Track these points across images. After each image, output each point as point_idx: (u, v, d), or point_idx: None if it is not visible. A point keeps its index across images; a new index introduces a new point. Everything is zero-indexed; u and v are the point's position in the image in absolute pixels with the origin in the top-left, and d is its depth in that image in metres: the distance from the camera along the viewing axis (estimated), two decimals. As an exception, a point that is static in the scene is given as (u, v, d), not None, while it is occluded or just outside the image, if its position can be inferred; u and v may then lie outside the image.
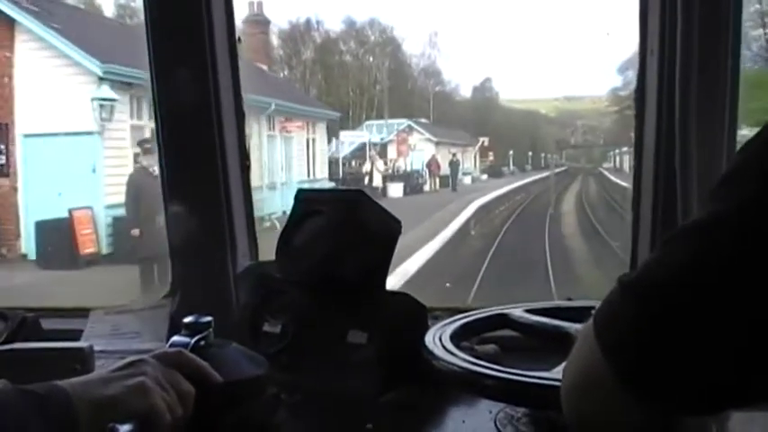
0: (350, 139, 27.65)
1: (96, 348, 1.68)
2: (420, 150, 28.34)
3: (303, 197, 1.71)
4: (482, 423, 1.37)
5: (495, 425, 1.36)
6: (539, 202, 27.04)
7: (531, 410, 1.37)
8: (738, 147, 0.92)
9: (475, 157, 33.75)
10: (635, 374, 0.77)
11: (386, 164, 26.17)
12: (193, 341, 1.33)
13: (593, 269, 13.73)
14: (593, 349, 0.79)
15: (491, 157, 35.65)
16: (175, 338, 1.35)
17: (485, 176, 33.37)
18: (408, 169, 27.40)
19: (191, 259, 1.96)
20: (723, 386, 0.75)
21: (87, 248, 12.95)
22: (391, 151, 28.31)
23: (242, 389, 1.32)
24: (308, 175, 21.35)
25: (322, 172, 22.48)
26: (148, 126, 12.92)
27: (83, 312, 2.03)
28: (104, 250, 13.18)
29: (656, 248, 0.79)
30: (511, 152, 39.03)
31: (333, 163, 24.38)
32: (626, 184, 18.05)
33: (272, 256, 1.72)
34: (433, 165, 27.83)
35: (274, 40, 31.37)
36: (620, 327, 0.79)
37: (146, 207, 9.08)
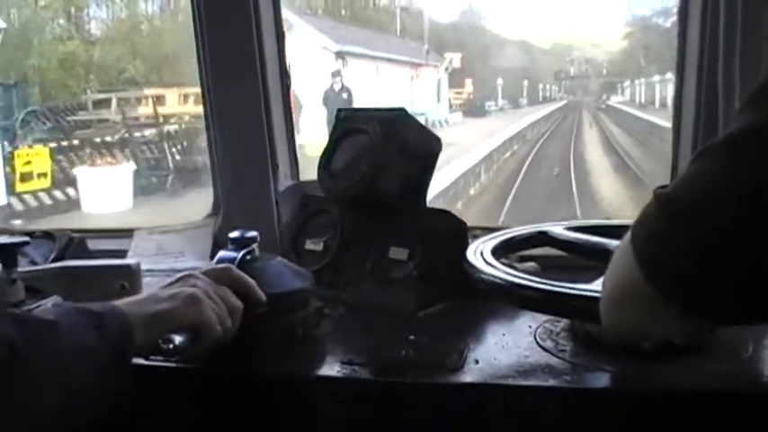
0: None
1: (142, 267, 1.73)
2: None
3: (344, 116, 1.71)
4: (522, 337, 1.39)
5: (535, 338, 1.38)
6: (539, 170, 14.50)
7: (570, 325, 1.39)
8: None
9: (438, 87, 19.63)
10: (674, 288, 0.78)
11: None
12: (240, 255, 1.36)
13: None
14: (632, 263, 0.81)
15: (469, 89, 22.48)
16: (222, 253, 1.38)
17: (457, 116, 20.34)
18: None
19: (233, 179, 1.98)
20: (762, 298, 0.75)
21: None
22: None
23: (287, 301, 1.36)
24: None
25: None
26: None
27: (127, 233, 2.08)
28: None
29: (690, 162, 0.79)
30: (500, 81, 26.48)
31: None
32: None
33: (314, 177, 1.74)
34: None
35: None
36: (657, 241, 0.79)
37: None
